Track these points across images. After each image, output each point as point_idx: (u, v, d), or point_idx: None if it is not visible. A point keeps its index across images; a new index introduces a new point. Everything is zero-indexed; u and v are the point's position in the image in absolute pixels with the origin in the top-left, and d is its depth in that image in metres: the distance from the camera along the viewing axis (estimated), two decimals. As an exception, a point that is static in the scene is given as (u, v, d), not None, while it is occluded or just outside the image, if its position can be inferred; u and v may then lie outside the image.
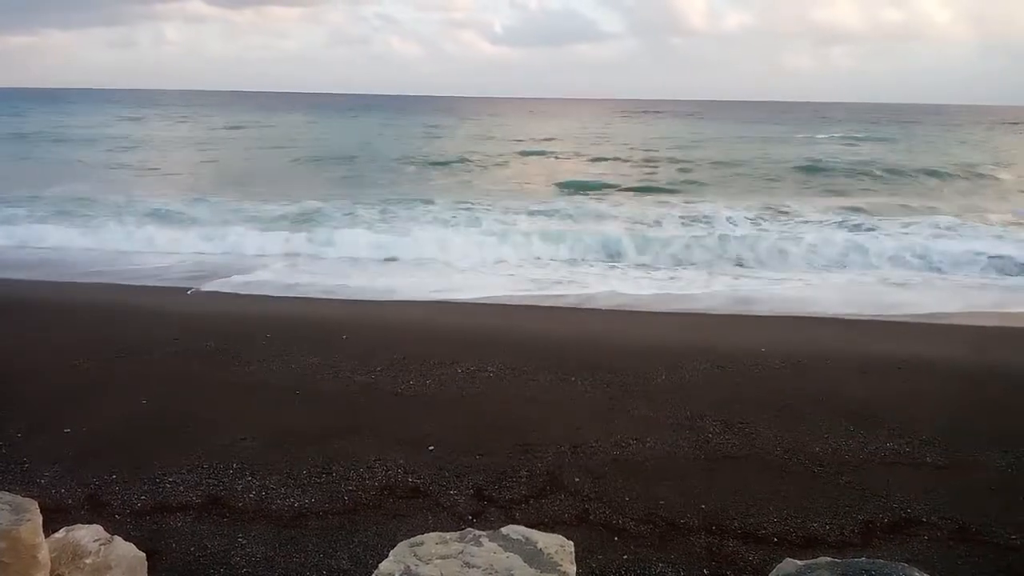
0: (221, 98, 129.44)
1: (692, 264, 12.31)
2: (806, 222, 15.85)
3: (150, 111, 69.24)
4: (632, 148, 36.35)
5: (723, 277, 11.43)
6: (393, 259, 12.50)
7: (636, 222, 15.59)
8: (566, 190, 22.02)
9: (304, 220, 15.44)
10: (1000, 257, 12.12)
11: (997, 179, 25.89)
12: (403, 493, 4.35)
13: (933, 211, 17.36)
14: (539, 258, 12.58)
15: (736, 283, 11.00)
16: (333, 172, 25.77)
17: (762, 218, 16.33)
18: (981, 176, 26.27)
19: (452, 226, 14.87)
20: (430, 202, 17.75)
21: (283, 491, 4.34)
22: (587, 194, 21.01)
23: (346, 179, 23.76)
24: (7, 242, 13.10)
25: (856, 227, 15.12)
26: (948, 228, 14.84)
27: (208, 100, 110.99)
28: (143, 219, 14.94)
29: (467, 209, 16.83)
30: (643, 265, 12.24)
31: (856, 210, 17.66)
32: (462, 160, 29.39)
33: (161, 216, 15.44)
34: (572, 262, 12.36)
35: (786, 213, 17.05)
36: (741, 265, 12.29)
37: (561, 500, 4.31)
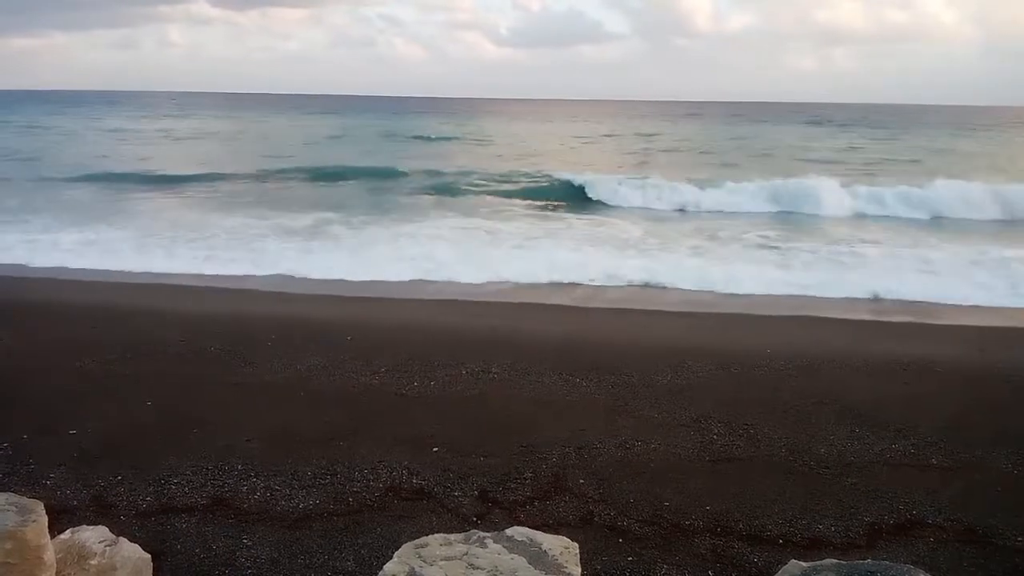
0: (214, 100, 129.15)
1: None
2: None
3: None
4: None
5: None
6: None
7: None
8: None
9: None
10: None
11: None
12: (408, 494, 4.36)
13: None
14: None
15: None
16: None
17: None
18: None
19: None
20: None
21: (288, 492, 4.34)
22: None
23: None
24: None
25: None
26: None
27: (198, 102, 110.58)
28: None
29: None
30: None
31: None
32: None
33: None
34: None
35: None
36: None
37: (566, 501, 4.30)
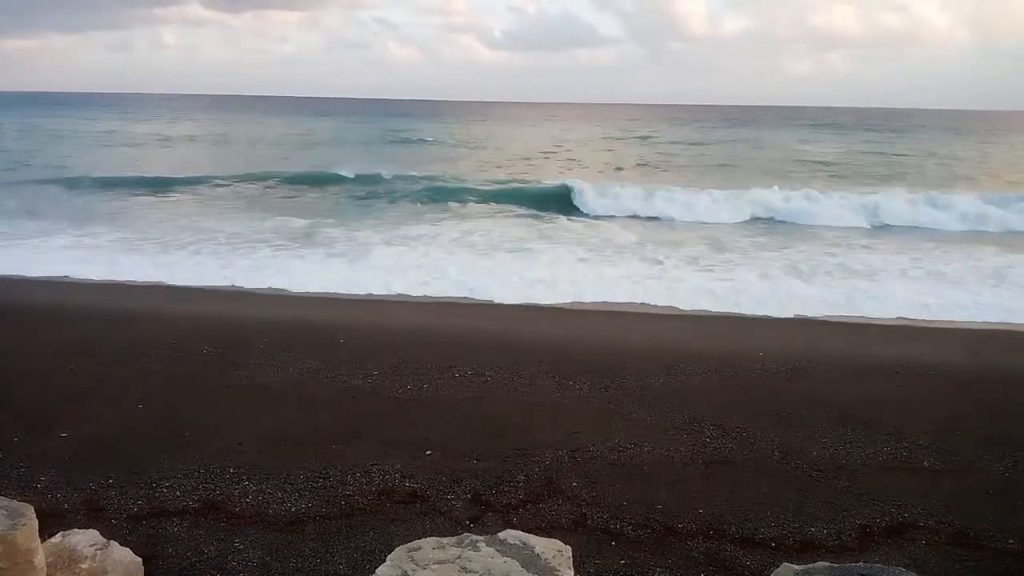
0: (209, 102, 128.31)
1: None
2: None
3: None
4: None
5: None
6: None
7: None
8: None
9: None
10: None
11: None
12: (401, 498, 4.35)
13: None
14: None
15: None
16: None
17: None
18: None
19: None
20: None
21: (280, 496, 4.33)
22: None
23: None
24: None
25: None
26: None
27: (192, 105, 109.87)
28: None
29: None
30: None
31: None
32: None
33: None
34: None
35: None
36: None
37: (559, 505, 4.30)
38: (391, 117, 77.63)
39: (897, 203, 19.16)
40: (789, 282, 11.35)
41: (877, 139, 50.61)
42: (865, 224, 18.06)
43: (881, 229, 17.71)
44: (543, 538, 2.42)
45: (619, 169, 30.93)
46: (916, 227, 17.85)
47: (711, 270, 12.25)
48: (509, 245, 14.13)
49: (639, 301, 10.09)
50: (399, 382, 6.17)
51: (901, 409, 5.78)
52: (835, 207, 18.91)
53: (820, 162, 34.12)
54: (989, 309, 9.78)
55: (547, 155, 37.29)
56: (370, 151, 36.91)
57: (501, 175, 26.63)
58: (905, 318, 9.40)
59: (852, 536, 4.02)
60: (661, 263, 12.69)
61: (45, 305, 8.78)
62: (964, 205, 18.89)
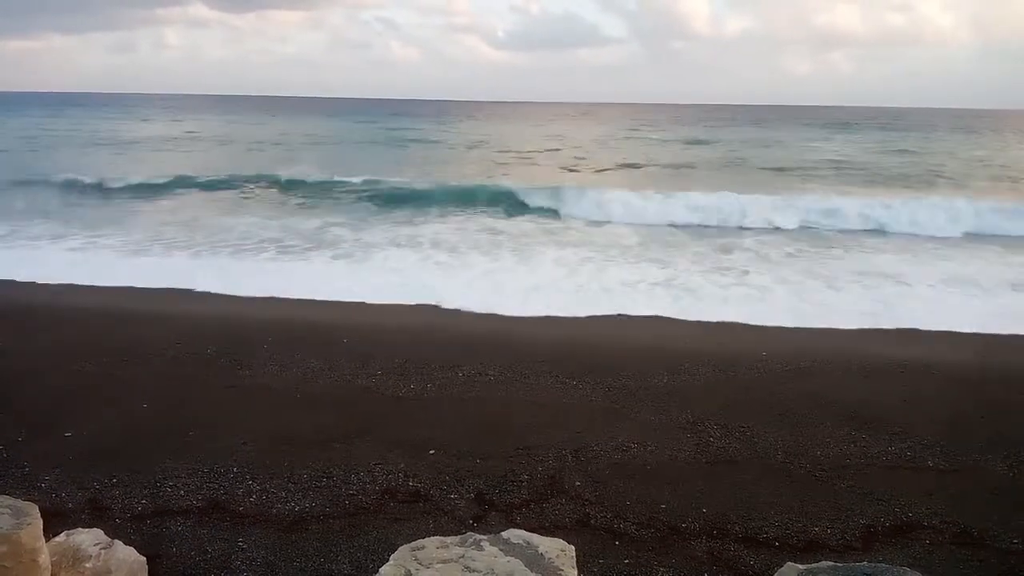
0: (211, 102, 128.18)
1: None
2: None
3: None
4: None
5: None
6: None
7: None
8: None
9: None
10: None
11: None
12: (404, 497, 4.35)
13: None
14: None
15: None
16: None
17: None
18: None
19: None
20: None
21: (284, 495, 4.33)
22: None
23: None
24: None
25: None
26: None
27: (194, 105, 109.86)
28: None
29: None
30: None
31: None
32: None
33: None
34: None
35: None
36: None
37: (562, 504, 4.30)
38: (394, 117, 77.47)
39: (907, 207, 18.45)
40: (813, 294, 10.63)
41: (888, 138, 50.30)
42: (876, 229, 17.54)
43: (890, 234, 17.35)
44: (547, 537, 2.41)
45: (628, 166, 30.80)
46: (923, 232, 17.53)
47: (726, 275, 11.66)
48: (511, 246, 13.99)
49: (652, 314, 9.38)
50: (402, 382, 6.17)
51: (905, 409, 5.77)
52: (854, 212, 18.11)
53: (830, 160, 33.85)
54: (998, 312, 9.68)
55: (553, 154, 37.15)
56: (373, 151, 36.87)
57: (505, 176, 26.42)
58: (913, 323, 9.32)
59: (856, 535, 4.02)
60: (667, 268, 12.17)
61: (48, 306, 8.80)
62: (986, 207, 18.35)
